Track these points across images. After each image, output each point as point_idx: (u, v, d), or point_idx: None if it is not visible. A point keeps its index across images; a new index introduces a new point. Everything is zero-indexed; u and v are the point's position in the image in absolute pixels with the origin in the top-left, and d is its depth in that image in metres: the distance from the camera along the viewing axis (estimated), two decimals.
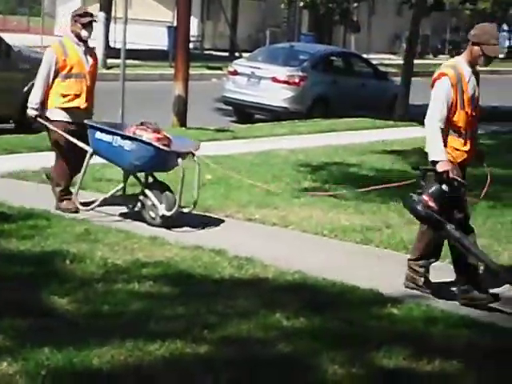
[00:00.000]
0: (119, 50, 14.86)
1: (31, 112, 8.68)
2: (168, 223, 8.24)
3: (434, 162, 6.49)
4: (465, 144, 6.64)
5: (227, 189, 9.99)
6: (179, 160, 8.31)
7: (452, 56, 44.65)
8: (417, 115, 18.39)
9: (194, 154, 8.45)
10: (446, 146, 6.56)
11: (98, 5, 26.21)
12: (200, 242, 7.79)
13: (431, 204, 6.39)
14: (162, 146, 8.22)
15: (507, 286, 6.66)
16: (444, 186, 6.43)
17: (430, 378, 5.26)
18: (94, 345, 5.22)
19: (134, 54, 24.24)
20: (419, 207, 6.46)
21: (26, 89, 13.59)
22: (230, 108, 18.76)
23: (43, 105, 8.65)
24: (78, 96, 8.63)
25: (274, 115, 17.65)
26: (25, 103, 9.10)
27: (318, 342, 5.56)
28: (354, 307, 6.28)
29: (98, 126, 8.48)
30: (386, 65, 29.03)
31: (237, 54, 29.24)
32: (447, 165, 6.43)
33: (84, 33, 8.71)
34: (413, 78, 19.13)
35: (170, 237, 7.89)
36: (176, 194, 8.31)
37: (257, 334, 5.67)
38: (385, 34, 41.09)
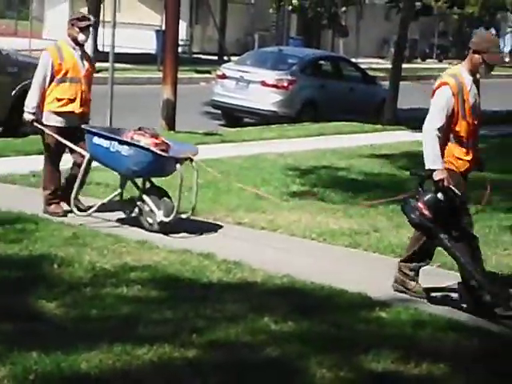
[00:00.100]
0: (108, 53, 14.84)
1: (28, 116, 8.62)
2: (166, 229, 8.18)
3: (431, 171, 6.47)
4: (467, 153, 6.61)
5: (216, 193, 9.99)
6: (177, 165, 8.25)
7: (440, 60, 45.01)
8: (405, 119, 18.53)
9: (192, 160, 8.40)
10: (446, 154, 6.53)
11: (87, 8, 26.18)
12: (188, 245, 7.79)
13: (425, 212, 6.39)
14: (159, 152, 8.16)
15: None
16: (439, 195, 6.42)
17: (417, 381, 5.27)
18: (82, 349, 5.21)
19: (122, 57, 24.19)
20: (413, 214, 6.47)
21: (13, 92, 13.59)
22: (219, 112, 18.76)
23: (39, 108, 8.61)
24: (72, 100, 8.58)
25: (263, 119, 17.66)
26: (13, 107, 9.08)
27: (306, 345, 5.56)
28: (342, 311, 6.29)
29: (95, 131, 8.43)
30: (375, 69, 29.10)
31: (225, 58, 29.25)
32: (443, 173, 6.42)
33: (81, 37, 8.65)
34: (401, 82, 19.20)
35: (159, 241, 7.88)
36: (174, 199, 8.25)
37: (245, 337, 5.67)
38: (373, 39, 41.17)
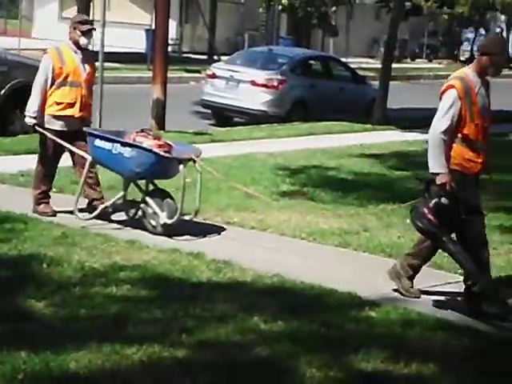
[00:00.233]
0: (97, 52, 14.80)
1: (29, 120, 8.54)
2: (169, 231, 8.09)
3: (434, 175, 6.43)
4: (478, 155, 6.54)
5: (206, 192, 9.96)
6: (180, 166, 8.17)
7: (430, 60, 45.12)
8: (395, 119, 18.57)
9: (195, 161, 8.32)
10: (455, 157, 6.47)
11: (76, 8, 26.10)
12: (178, 245, 7.78)
13: (430, 217, 6.37)
14: (162, 153, 8.09)
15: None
16: (443, 200, 6.38)
17: (407, 381, 5.28)
18: (71, 349, 5.20)
19: (112, 56, 24.17)
20: (419, 220, 6.44)
21: (2, 91, 13.56)
22: (209, 111, 18.75)
23: (41, 112, 8.53)
24: (71, 105, 8.50)
25: (253, 118, 17.65)
26: (2, 106, 9.04)
27: (296, 345, 5.56)
28: (331, 310, 6.29)
29: (97, 133, 8.35)
30: (364, 69, 29.14)
31: (215, 58, 29.24)
32: (446, 177, 6.38)
33: (83, 40, 8.56)
34: (391, 82, 19.23)
35: (148, 240, 7.87)
36: (177, 201, 8.18)
37: (235, 337, 5.66)
38: (363, 38, 41.24)
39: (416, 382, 5.29)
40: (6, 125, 13.58)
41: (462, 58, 47.95)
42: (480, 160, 6.56)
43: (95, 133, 8.37)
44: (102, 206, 8.42)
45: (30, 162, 10.98)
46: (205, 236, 8.22)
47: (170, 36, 16.77)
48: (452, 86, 6.51)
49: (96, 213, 8.39)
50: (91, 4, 27.31)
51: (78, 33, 8.57)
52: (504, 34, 50.37)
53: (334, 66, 20.15)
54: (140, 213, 8.35)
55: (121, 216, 8.54)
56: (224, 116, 18.46)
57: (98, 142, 8.26)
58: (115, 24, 30.04)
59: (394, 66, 20.02)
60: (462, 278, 7.00)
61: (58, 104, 8.50)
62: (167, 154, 8.15)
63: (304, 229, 8.68)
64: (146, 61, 25.04)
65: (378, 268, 7.55)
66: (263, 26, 37.77)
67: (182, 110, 18.29)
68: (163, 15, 15.57)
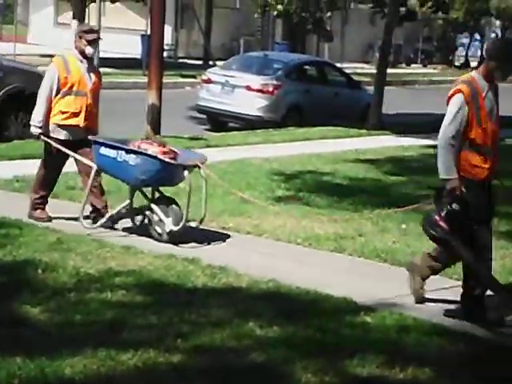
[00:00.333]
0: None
1: (34, 130, 8.49)
2: (175, 239, 8.03)
3: (444, 181, 6.40)
4: (485, 161, 6.47)
5: (200, 197, 9.96)
6: (185, 173, 8.12)
7: (424, 65, 45.19)
8: (390, 124, 18.58)
9: (200, 168, 8.25)
10: (462, 163, 6.43)
11: (71, 13, 26.11)
12: (173, 250, 7.77)
13: (442, 224, 6.34)
14: (167, 159, 8.04)
15: None
16: (454, 205, 6.34)
17: None
18: (67, 354, 5.20)
19: (107, 62, 24.18)
20: (431, 228, 6.42)
21: None
22: (204, 116, 18.76)
23: (46, 121, 8.49)
24: (76, 114, 8.45)
25: (248, 124, 17.66)
26: None
27: (292, 350, 5.56)
28: (327, 315, 6.29)
29: (102, 141, 8.29)
30: (359, 74, 29.16)
31: (211, 63, 29.27)
32: (456, 182, 6.34)
33: (88, 50, 8.51)
34: (386, 87, 19.25)
35: (144, 246, 7.86)
36: (183, 208, 8.11)
37: (230, 342, 5.66)
38: (358, 44, 41.27)
39: None
40: (1, 130, 13.57)
41: (456, 64, 48.04)
42: (487, 165, 6.48)
43: (100, 141, 8.30)
44: (108, 215, 8.37)
45: (26, 168, 11.00)
46: (209, 243, 8.17)
47: (165, 41, 16.76)
48: (459, 91, 6.45)
49: (102, 221, 8.33)
50: (87, 9, 27.41)
51: (84, 42, 8.51)
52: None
53: (329, 71, 20.17)
54: (146, 220, 8.28)
55: (126, 223, 8.48)
56: (219, 121, 18.46)
57: (102, 150, 8.20)
58: (110, 29, 30.07)
59: (388, 71, 20.04)
60: (457, 282, 7.02)
61: (63, 113, 8.45)
62: (172, 161, 8.09)
63: (299, 234, 8.68)
64: (142, 66, 25.05)
65: (373, 273, 7.56)
66: (259, 32, 37.81)
67: (177, 115, 18.29)
68: (158, 20, 15.57)
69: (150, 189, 8.46)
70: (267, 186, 10.98)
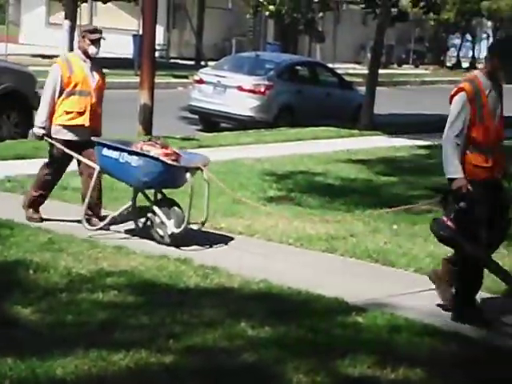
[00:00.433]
0: None
1: (38, 131, 8.43)
2: (177, 241, 7.97)
3: (450, 180, 6.36)
4: (486, 161, 6.41)
5: (193, 197, 9.95)
6: (187, 175, 8.05)
7: (416, 66, 45.27)
8: (381, 124, 18.61)
9: (202, 170, 8.18)
10: (464, 162, 6.38)
11: (63, 13, 26.07)
12: (165, 250, 7.77)
13: (450, 224, 6.33)
14: (169, 161, 7.98)
15: None
16: (462, 204, 6.30)
17: None
18: (58, 355, 5.19)
19: (99, 62, 24.13)
20: (440, 229, 6.40)
21: None
22: (196, 117, 18.76)
23: (49, 122, 8.43)
24: (81, 114, 8.39)
25: (240, 124, 17.67)
26: None
27: (283, 350, 5.56)
28: (318, 316, 6.30)
29: (104, 142, 8.24)
30: (351, 74, 29.22)
31: (203, 63, 29.27)
32: (462, 181, 6.30)
33: (92, 49, 8.49)
34: (377, 88, 19.28)
35: (135, 246, 7.85)
36: (185, 210, 8.04)
37: (222, 343, 5.66)
38: (350, 44, 41.35)
39: None
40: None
41: (448, 64, 48.17)
42: (488, 165, 6.43)
43: (103, 142, 8.25)
44: (110, 216, 8.31)
45: (17, 168, 10.99)
46: (211, 246, 8.12)
47: (157, 41, 16.77)
48: (461, 89, 6.41)
49: (105, 222, 8.28)
50: (78, 9, 27.36)
51: (87, 42, 8.48)
52: (490, 40, 50.58)
53: (320, 71, 20.20)
54: (148, 222, 8.23)
55: (126, 226, 8.44)
56: (211, 121, 18.47)
57: (105, 152, 8.15)
58: (102, 29, 30.04)
59: (380, 71, 20.08)
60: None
61: (68, 113, 8.39)
62: (174, 163, 8.03)
63: (291, 234, 8.68)
64: (134, 66, 25.04)
65: (364, 273, 7.57)
66: (250, 32, 37.84)
67: (169, 115, 18.28)
68: (150, 21, 15.56)
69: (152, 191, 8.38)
70: (259, 187, 10.99)
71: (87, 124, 8.44)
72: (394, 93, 29.25)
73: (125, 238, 8.18)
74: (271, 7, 34.15)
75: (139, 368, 5.17)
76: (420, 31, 48.42)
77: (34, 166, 11.14)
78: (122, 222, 8.47)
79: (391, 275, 7.59)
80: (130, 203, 8.34)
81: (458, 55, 50.31)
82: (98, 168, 8.28)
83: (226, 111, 17.72)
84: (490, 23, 50.77)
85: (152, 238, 8.15)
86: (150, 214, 8.22)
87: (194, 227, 8.26)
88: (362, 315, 6.37)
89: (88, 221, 8.37)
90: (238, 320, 6.02)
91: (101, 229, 8.25)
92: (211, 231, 8.57)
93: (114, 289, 6.51)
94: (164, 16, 33.75)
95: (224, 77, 18.04)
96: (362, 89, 19.97)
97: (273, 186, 11.13)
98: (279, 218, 9.25)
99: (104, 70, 8.96)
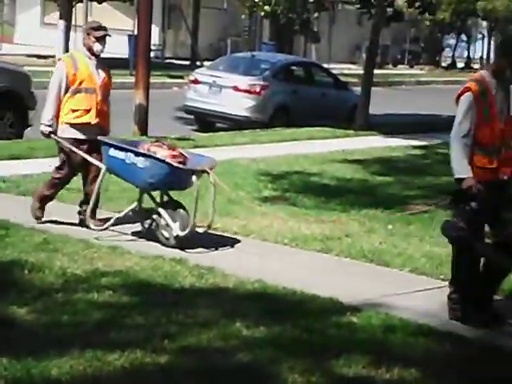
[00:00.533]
0: None
1: (44, 129, 8.35)
2: (182, 244, 7.93)
3: (459, 180, 6.31)
4: (491, 162, 6.36)
5: (189, 197, 9.96)
6: (194, 178, 7.98)
7: (411, 66, 45.29)
8: (377, 125, 18.63)
9: (209, 173, 8.12)
10: (471, 163, 6.34)
11: (58, 13, 26.07)
12: (160, 250, 7.77)
13: (461, 225, 6.30)
14: (175, 163, 7.92)
15: None
16: (473, 204, 6.26)
17: None
18: (53, 355, 5.19)
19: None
20: (451, 230, 6.37)
21: None
22: (191, 117, 18.76)
23: (55, 120, 8.37)
24: (87, 111, 8.33)
25: (236, 124, 17.68)
26: None
27: (278, 350, 5.57)
28: (313, 316, 6.30)
29: (111, 142, 8.19)
30: (347, 75, 29.22)
31: (198, 63, 29.27)
32: (471, 181, 6.25)
33: (97, 47, 8.40)
34: (373, 88, 19.29)
35: (130, 246, 7.86)
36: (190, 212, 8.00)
37: (217, 343, 5.67)
38: (345, 44, 41.37)
39: None
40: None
41: (443, 64, 48.22)
42: (493, 166, 6.38)
43: (109, 142, 8.20)
44: (115, 217, 8.26)
45: (12, 168, 10.99)
46: (217, 248, 8.07)
47: (152, 42, 16.76)
48: (468, 89, 6.37)
49: (109, 223, 8.23)
50: (74, 9, 27.36)
51: (92, 39, 8.41)
52: (485, 40, 50.67)
53: (316, 71, 20.21)
54: (153, 224, 8.18)
55: (132, 227, 8.42)
56: (207, 121, 18.47)
57: (112, 152, 8.10)
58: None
59: (375, 71, 20.09)
60: (444, 283, 7.05)
61: (74, 111, 8.33)
62: (181, 166, 7.98)
63: (286, 234, 8.69)
64: (129, 66, 25.03)
65: (359, 273, 7.58)
66: (246, 32, 37.85)
67: (164, 115, 18.28)
68: (146, 21, 15.56)
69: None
70: (254, 187, 10.99)
71: (94, 122, 8.38)
72: (390, 93, 29.28)
73: (134, 240, 8.12)
74: (266, 7, 34.18)
75: (134, 368, 5.17)
76: (415, 31, 48.47)
77: (28, 167, 11.19)
78: (128, 223, 8.41)
79: (386, 275, 7.60)
80: (136, 204, 8.29)
81: (453, 55, 50.37)
82: (104, 168, 8.24)
83: (221, 111, 17.72)
84: (485, 23, 50.81)
85: (156, 240, 8.09)
86: (155, 216, 8.17)
87: (200, 230, 8.20)
88: (356, 315, 6.37)
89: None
90: (233, 320, 6.02)
91: (106, 229, 8.20)
92: (217, 233, 8.53)
93: (109, 289, 6.52)
94: (159, 16, 33.76)
95: (219, 77, 18.04)
96: (358, 89, 19.97)
97: (268, 186, 11.13)
98: (274, 218, 9.25)
99: None
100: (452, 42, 52.89)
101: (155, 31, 27.62)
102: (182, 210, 8.13)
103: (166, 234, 8.07)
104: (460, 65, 49.27)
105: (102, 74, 8.54)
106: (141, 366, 5.21)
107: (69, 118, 8.36)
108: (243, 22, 37.50)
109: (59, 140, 8.41)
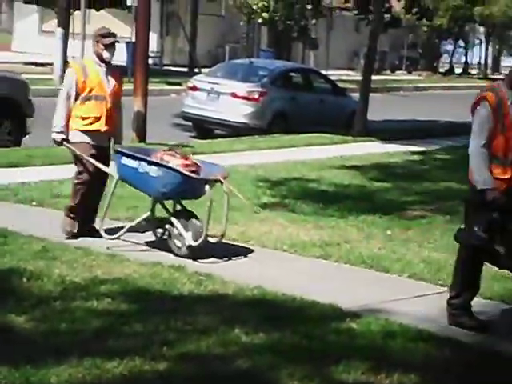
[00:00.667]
0: None
1: (56, 136, 8.29)
2: (195, 254, 7.88)
3: (482, 191, 6.26)
4: (505, 172, 6.34)
5: (186, 204, 9.95)
6: (206, 187, 7.93)
7: (409, 72, 45.31)
8: (375, 131, 18.64)
9: (222, 182, 8.06)
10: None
11: (56, 21, 26.08)
12: (159, 258, 7.76)
13: (481, 234, 6.26)
14: (188, 173, 7.86)
15: None
16: (495, 214, 6.24)
17: None
18: (52, 363, 5.18)
19: None
20: (469, 239, 6.34)
21: None
22: (190, 123, 18.76)
23: (66, 127, 8.31)
24: (98, 119, 8.29)
25: (234, 131, 17.68)
26: None
27: (278, 357, 5.56)
28: (313, 322, 6.30)
29: (124, 151, 8.14)
30: (345, 81, 29.26)
31: (196, 70, 29.29)
32: (495, 192, 6.23)
33: (106, 54, 8.40)
34: (371, 94, 19.31)
35: (129, 253, 7.85)
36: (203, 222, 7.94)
37: (216, 350, 5.66)
38: (343, 51, 41.40)
39: None
40: None
41: (441, 70, 48.26)
42: (506, 176, 6.34)
43: (122, 151, 8.16)
44: (127, 226, 8.19)
45: (11, 176, 10.98)
46: (230, 259, 8.00)
47: (150, 48, 16.78)
48: (484, 98, 6.36)
49: (122, 232, 8.16)
50: (71, 17, 27.37)
51: (101, 46, 8.40)
52: (483, 46, 50.72)
53: (314, 78, 20.23)
54: (166, 234, 8.13)
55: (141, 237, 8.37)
56: (205, 128, 18.47)
57: (124, 160, 8.05)
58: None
59: (373, 78, 20.11)
60: (443, 288, 7.05)
61: (84, 119, 8.29)
62: (193, 175, 7.92)
63: (285, 241, 8.68)
64: (127, 73, 25.01)
65: (358, 279, 7.57)
66: (244, 39, 37.87)
67: (162, 122, 18.28)
68: (144, 28, 15.58)
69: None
70: (253, 193, 10.99)
71: (103, 129, 8.34)
72: (388, 99, 29.29)
73: (146, 250, 8.09)
74: (264, 14, 34.20)
75: (133, 376, 5.16)
76: (413, 37, 48.51)
77: (26, 174, 11.18)
78: (141, 232, 8.36)
79: (385, 281, 7.60)
80: (148, 213, 8.23)
81: (450, 61, 50.41)
82: (116, 177, 8.19)
83: (219, 118, 17.73)
84: (482, 29, 50.89)
85: (168, 250, 8.03)
86: (167, 226, 8.12)
87: (213, 240, 8.16)
88: (356, 321, 6.37)
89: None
90: (232, 326, 6.02)
91: (118, 238, 8.12)
92: (230, 243, 8.48)
93: (108, 296, 6.51)
94: (157, 23, 33.76)
95: (217, 84, 18.05)
96: (356, 95, 19.99)
97: (267, 193, 11.13)
98: (273, 225, 9.25)
99: None
100: (450, 47, 52.94)
101: (153, 38, 27.67)
102: (194, 220, 8.07)
103: (178, 243, 8.00)
104: (458, 70, 49.32)
105: (112, 82, 8.50)
106: (140, 374, 5.20)
107: (79, 126, 8.31)
108: (241, 28, 37.54)
109: (71, 147, 8.34)
